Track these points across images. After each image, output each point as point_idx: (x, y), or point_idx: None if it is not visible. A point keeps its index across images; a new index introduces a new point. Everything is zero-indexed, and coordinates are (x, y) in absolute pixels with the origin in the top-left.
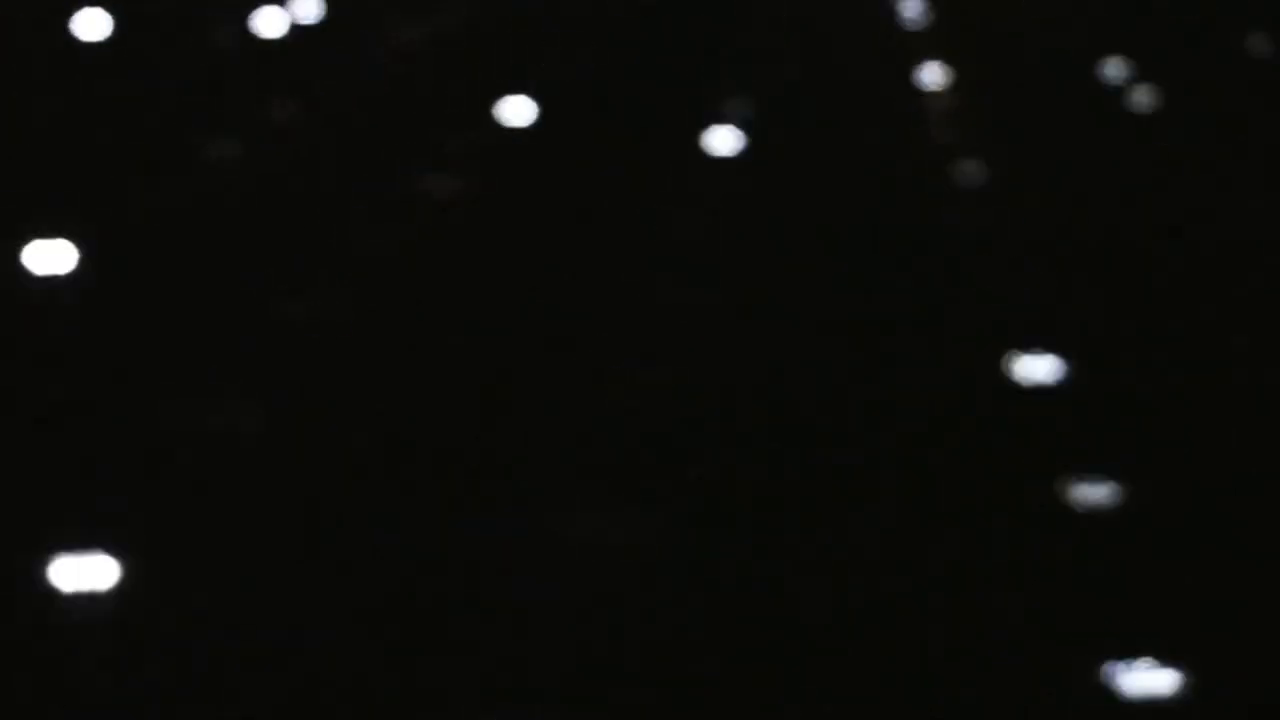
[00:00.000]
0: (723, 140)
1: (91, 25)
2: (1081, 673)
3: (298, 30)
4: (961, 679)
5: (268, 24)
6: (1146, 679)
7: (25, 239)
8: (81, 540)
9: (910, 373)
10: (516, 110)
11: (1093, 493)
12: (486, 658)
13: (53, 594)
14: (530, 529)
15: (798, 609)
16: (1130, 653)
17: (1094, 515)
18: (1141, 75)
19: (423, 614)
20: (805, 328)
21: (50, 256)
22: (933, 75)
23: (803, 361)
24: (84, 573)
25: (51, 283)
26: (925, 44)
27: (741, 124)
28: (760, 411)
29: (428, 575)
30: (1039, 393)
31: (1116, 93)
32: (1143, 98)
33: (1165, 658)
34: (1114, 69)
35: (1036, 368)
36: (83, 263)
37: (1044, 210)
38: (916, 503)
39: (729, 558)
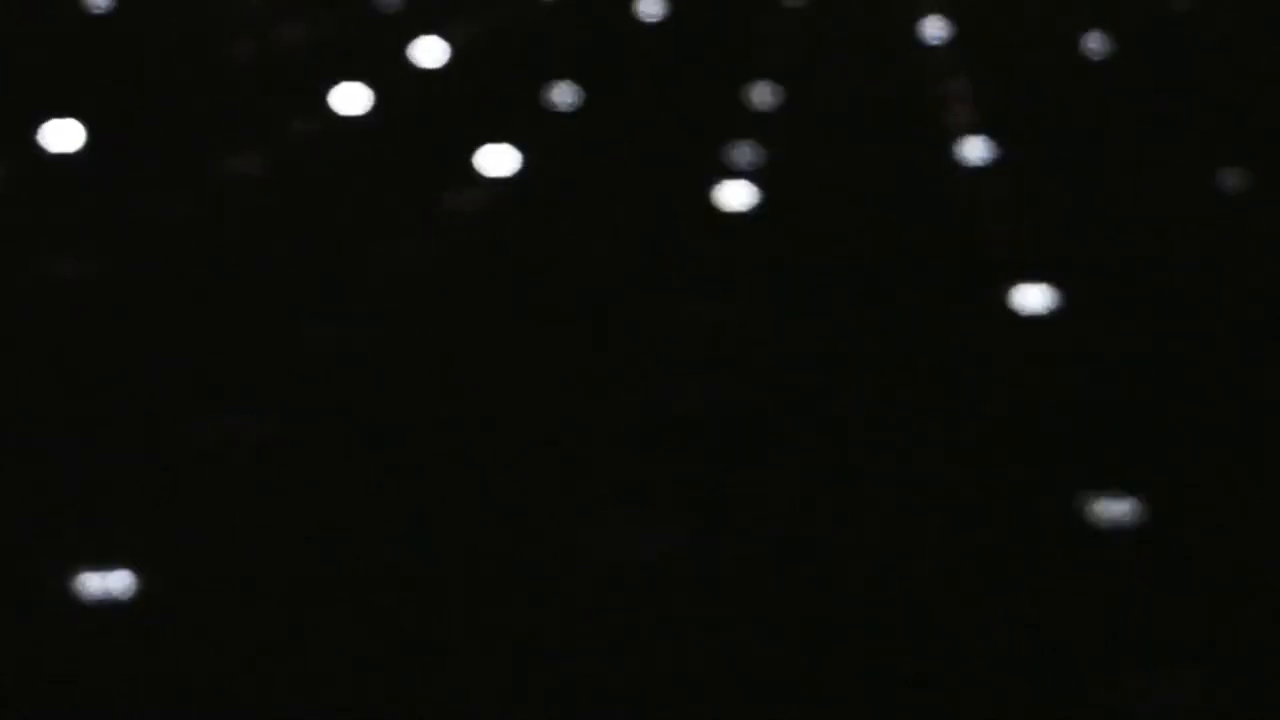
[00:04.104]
0: (747, 154)
1: (114, 39)
2: (1100, 687)
3: (320, 42)
4: (984, 693)
5: (289, 37)
6: (1165, 690)
7: (42, 249)
8: (98, 551)
9: (932, 387)
10: (539, 124)
11: (1113, 507)
12: (503, 672)
13: (69, 604)
14: (553, 542)
15: (821, 622)
16: (1147, 666)
17: (1114, 529)
18: (1162, 84)
19: (440, 628)
20: (825, 342)
21: (68, 267)
22: (954, 86)
23: (824, 375)
24: (99, 583)
25: (71, 293)
26: (946, 59)
27: (765, 138)
28: (783, 425)
29: (448, 588)
30: (1062, 407)
31: (1137, 101)
32: (1163, 107)
33: (1184, 671)
34: (1135, 76)
35: (1060, 380)
36: (102, 275)
37: (1065, 222)
38: (939, 517)
39: (751, 571)
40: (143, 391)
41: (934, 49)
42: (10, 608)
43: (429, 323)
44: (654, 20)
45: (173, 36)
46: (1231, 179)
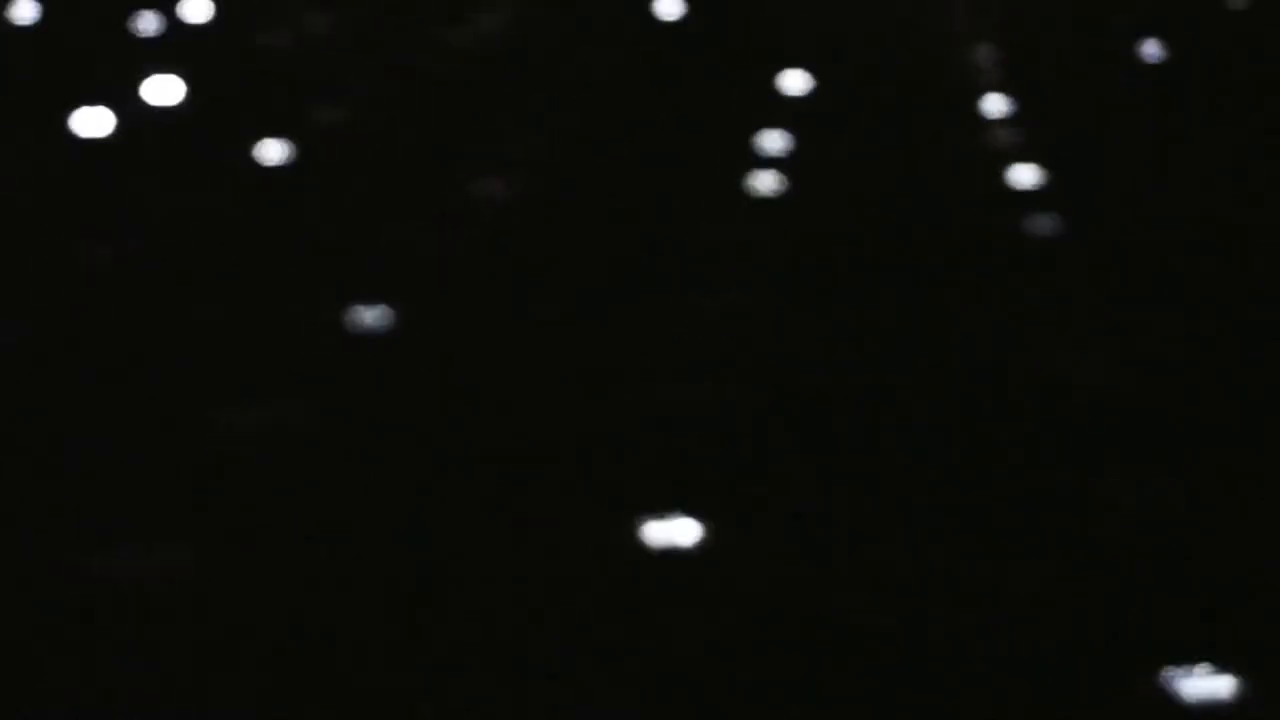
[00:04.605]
0: (774, 143)
1: (144, 25)
2: (1139, 680)
3: (348, 30)
4: (1018, 686)
5: (317, 24)
6: (1205, 685)
7: (75, 241)
8: (140, 538)
9: (965, 379)
10: (566, 113)
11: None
12: (535, 658)
13: (113, 591)
14: (578, 532)
15: (849, 617)
16: (1188, 658)
17: (1153, 518)
18: (1201, 77)
19: (471, 616)
20: (857, 334)
21: (101, 257)
22: (988, 80)
23: (854, 368)
24: (144, 570)
25: (103, 284)
26: (979, 48)
27: (791, 127)
28: (809, 418)
29: (478, 577)
30: (1096, 396)
31: (1175, 93)
32: (1203, 99)
33: (1224, 663)
34: (1172, 69)
35: (1096, 372)
36: (133, 263)
37: (1103, 212)
38: (968, 509)
39: (774, 567)
40: (172, 380)
41: (961, 32)
42: (44, 595)
43: (458, 310)
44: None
45: (203, 27)
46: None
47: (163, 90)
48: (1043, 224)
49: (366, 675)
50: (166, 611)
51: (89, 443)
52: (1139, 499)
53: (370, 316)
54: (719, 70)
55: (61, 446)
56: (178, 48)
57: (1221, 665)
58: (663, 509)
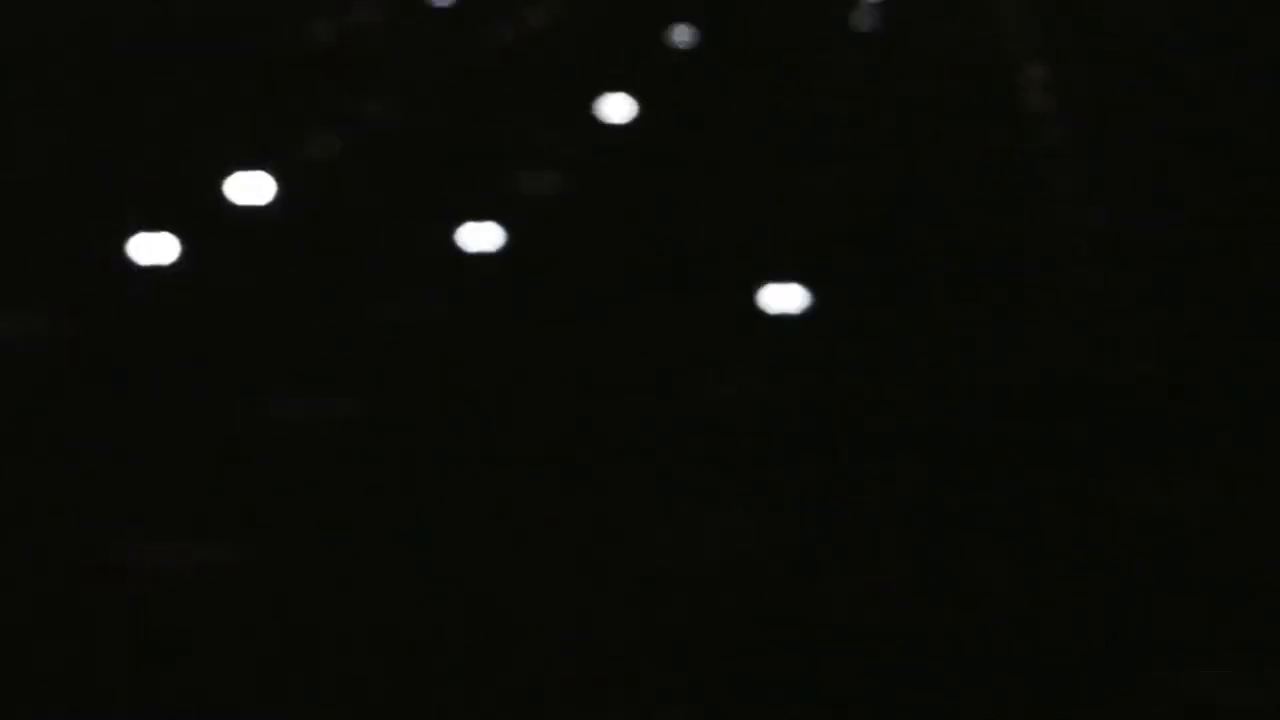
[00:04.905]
0: (825, 139)
1: (196, 24)
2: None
3: (396, 26)
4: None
5: (366, 19)
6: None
7: (129, 234)
8: (194, 525)
9: (1011, 374)
10: (614, 107)
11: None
12: (585, 648)
13: (165, 579)
14: (627, 523)
15: (896, 614)
16: (1224, 659)
17: (1189, 520)
18: (1245, 75)
19: (522, 604)
20: (903, 330)
21: (154, 252)
22: (1036, 75)
23: (901, 362)
24: (194, 556)
25: (157, 278)
26: (1030, 46)
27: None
28: (861, 414)
29: (526, 565)
30: (1137, 395)
31: (1218, 93)
32: (1246, 99)
33: (1260, 664)
34: (1216, 69)
35: (1139, 371)
36: (185, 258)
37: (1149, 214)
38: (1015, 505)
39: (822, 560)
40: (218, 375)
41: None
42: (99, 583)
43: (508, 304)
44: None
45: (253, 18)
46: None
47: (212, 84)
48: (1085, 220)
49: (416, 673)
50: (207, 605)
51: (129, 438)
52: (1168, 501)
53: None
54: (767, 70)
55: (103, 442)
56: (226, 41)
57: (1250, 666)
58: (723, 503)
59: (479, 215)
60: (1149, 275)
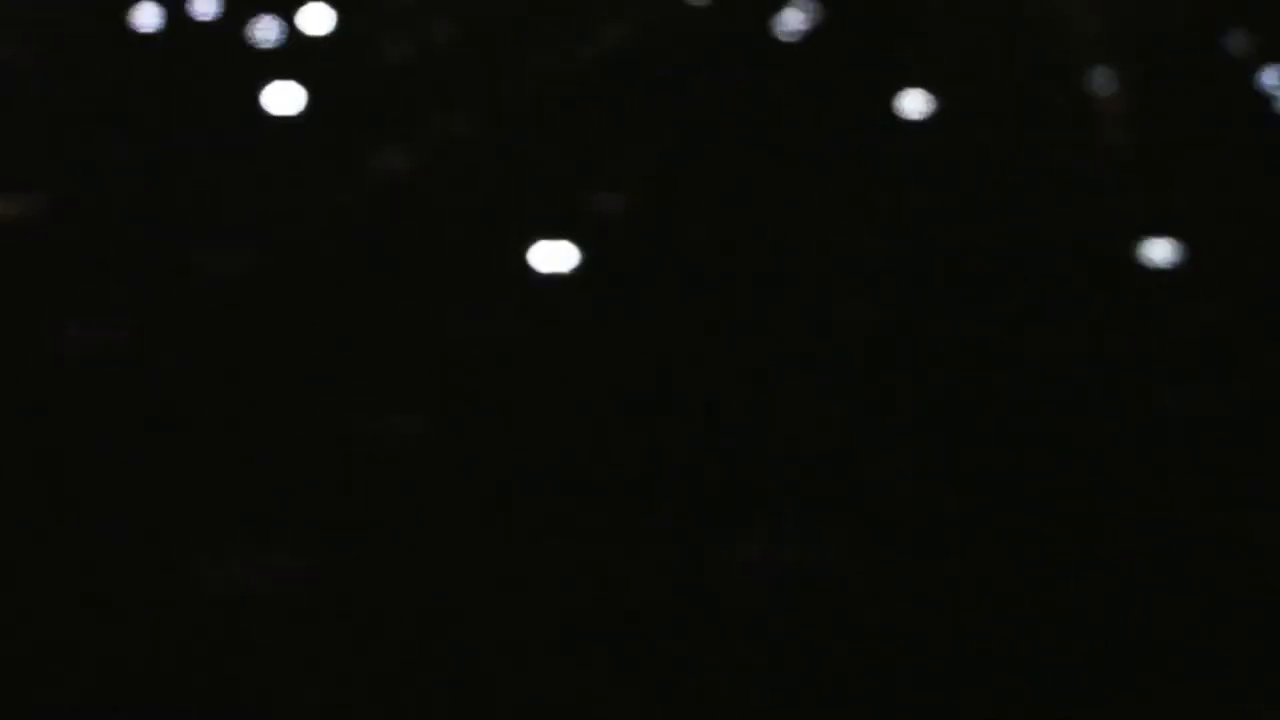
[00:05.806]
0: (892, 148)
1: (261, 34)
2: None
3: (465, 43)
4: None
5: (437, 36)
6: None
7: (194, 248)
8: (259, 542)
9: (1081, 393)
10: (684, 127)
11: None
12: (657, 676)
13: (230, 596)
14: (695, 550)
15: (974, 634)
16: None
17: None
18: None
19: (583, 629)
20: (968, 345)
21: (221, 264)
22: (1101, 80)
23: (968, 380)
24: (260, 575)
25: (223, 290)
26: (1093, 48)
27: (913, 132)
28: (934, 433)
29: (606, 586)
30: (1207, 421)
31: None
32: None
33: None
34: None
35: (1207, 394)
36: (255, 271)
37: (1220, 232)
38: (1085, 531)
39: (901, 583)
40: (299, 387)
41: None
42: (170, 601)
43: (583, 321)
44: (801, 27)
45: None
46: None
47: (284, 99)
48: (1152, 251)
49: (487, 689)
50: (279, 619)
51: (202, 448)
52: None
53: None
54: (844, 84)
55: (175, 453)
56: (297, 55)
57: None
58: (793, 529)
59: (553, 233)
60: (1217, 307)
